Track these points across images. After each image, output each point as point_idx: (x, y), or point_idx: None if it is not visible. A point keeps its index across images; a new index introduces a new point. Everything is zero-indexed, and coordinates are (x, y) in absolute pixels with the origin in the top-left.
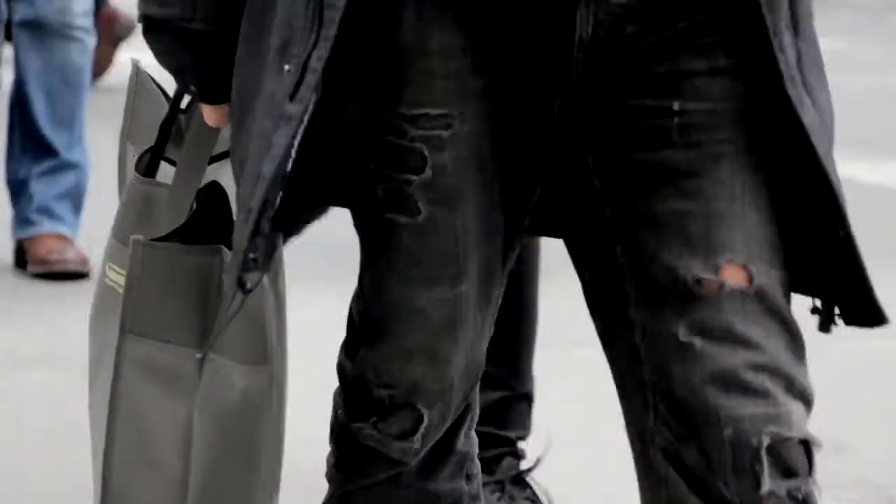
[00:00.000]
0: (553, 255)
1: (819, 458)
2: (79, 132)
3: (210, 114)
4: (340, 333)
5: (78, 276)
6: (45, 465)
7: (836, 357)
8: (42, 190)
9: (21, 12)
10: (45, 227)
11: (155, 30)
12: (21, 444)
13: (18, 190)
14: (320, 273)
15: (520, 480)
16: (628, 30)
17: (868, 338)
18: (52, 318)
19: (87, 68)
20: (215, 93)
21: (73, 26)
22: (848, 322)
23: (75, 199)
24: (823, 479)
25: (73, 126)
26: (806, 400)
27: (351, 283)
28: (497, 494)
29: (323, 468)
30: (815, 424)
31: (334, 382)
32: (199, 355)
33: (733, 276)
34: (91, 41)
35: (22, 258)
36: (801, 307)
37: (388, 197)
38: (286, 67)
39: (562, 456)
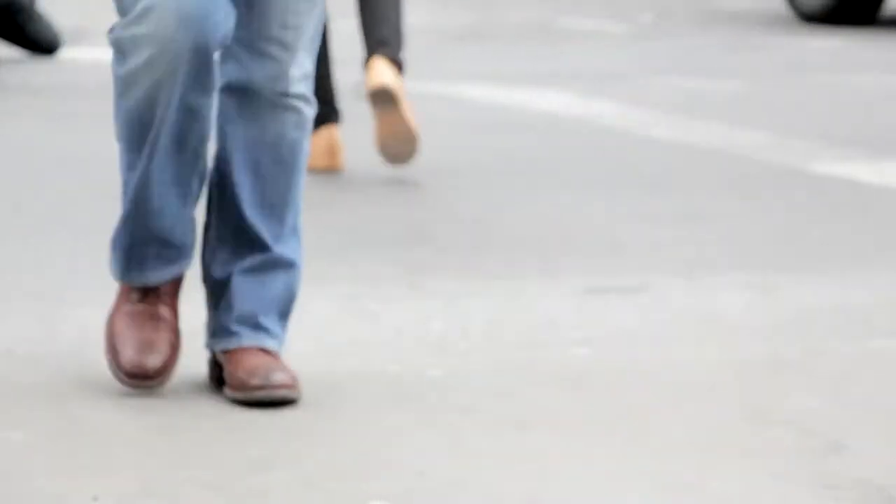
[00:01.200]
0: (553, 256)
1: (819, 458)
2: (292, 222)
3: None
4: (340, 334)
5: (286, 402)
6: (45, 464)
7: (836, 357)
8: (244, 292)
9: (228, 74)
10: (246, 339)
11: None
12: (21, 444)
13: (215, 290)
14: (320, 273)
15: None
16: None
17: (868, 338)
18: (52, 317)
19: (305, 146)
20: None
21: (290, 94)
22: None
23: (284, 305)
24: (823, 479)
25: (286, 214)
26: None
27: (351, 284)
28: None
29: None
30: (816, 424)
31: (333, 382)
32: None
33: None
34: (310, 112)
35: (218, 373)
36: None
37: None
38: None
39: (561, 455)
